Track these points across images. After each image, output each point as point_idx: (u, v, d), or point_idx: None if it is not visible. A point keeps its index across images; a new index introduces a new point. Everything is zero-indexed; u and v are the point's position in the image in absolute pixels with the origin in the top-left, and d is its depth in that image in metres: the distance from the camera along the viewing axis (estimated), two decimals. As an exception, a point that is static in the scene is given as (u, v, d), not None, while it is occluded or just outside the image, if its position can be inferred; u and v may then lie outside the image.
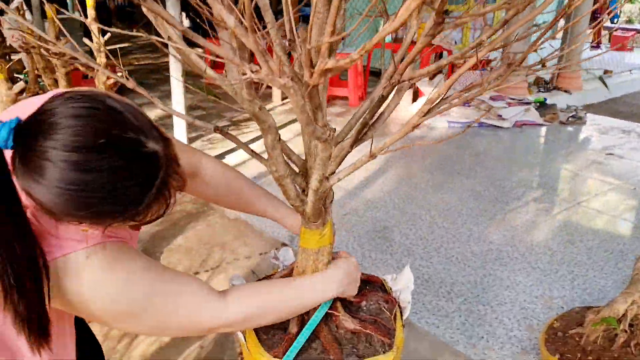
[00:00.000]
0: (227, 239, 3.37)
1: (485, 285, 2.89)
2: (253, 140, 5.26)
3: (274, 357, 1.34)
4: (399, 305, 1.56)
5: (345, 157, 1.25)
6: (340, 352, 1.35)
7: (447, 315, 2.63)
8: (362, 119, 1.32)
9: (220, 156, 4.83)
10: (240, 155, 4.88)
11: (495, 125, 5.85)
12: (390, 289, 1.65)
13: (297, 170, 1.38)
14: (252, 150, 1.22)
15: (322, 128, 1.01)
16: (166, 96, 5.12)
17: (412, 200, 3.96)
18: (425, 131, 5.77)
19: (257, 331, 1.43)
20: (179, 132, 4.76)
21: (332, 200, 1.41)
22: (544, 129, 5.94)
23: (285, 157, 1.29)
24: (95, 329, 2.62)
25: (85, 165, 0.79)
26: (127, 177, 0.83)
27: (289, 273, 1.49)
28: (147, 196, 0.86)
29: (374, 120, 1.35)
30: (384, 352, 1.36)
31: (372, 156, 1.14)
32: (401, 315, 1.54)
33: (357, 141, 1.27)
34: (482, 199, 3.98)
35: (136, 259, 1.00)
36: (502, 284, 2.91)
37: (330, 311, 1.42)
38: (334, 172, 1.22)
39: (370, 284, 1.67)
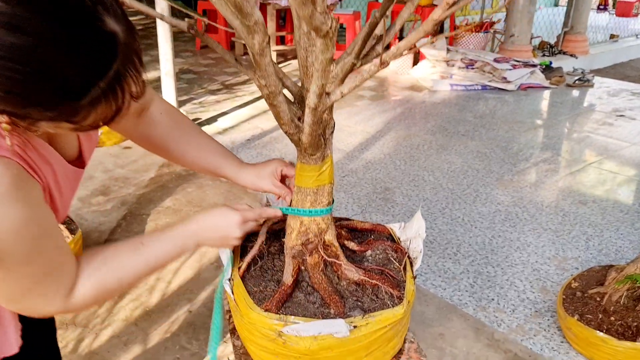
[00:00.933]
0: (218, 201, 3.17)
1: (494, 246, 2.71)
2: (246, 104, 5.02)
3: (266, 310, 1.15)
4: (408, 256, 1.37)
5: (350, 72, 1.03)
6: (342, 305, 1.16)
7: (454, 277, 2.45)
8: (367, 30, 1.10)
9: (213, 119, 4.60)
10: (233, 118, 4.65)
11: (499, 88, 5.61)
12: (399, 238, 1.46)
13: (291, 98, 1.17)
14: (235, 59, 1.00)
15: (322, 15, 0.79)
16: (155, 60, 4.86)
17: (414, 161, 3.76)
18: (426, 94, 5.53)
19: (246, 283, 1.24)
20: (168, 94, 4.51)
21: (332, 132, 1.20)
22: (550, 92, 5.71)
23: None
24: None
25: (10, 20, 0.58)
26: (69, 55, 0.61)
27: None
28: (94, 88, 0.65)
29: (382, 32, 1.12)
30: (392, 306, 1.17)
31: (383, 64, 0.92)
32: (411, 266, 1.35)
33: (362, 53, 1.05)
34: (488, 161, 3.78)
35: (34, 207, 0.76)
36: (512, 245, 2.73)
37: (331, 259, 1.23)
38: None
39: (375, 233, 1.48)
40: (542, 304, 2.28)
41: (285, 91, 1.11)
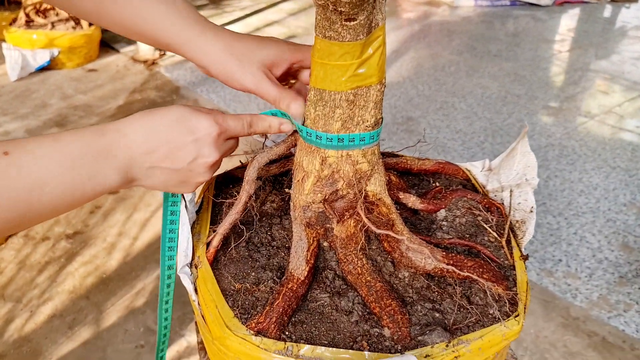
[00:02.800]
0: (201, 134, 2.55)
1: (552, 189, 2.13)
2: (237, 20, 4.28)
3: (258, 333, 0.58)
4: (509, 220, 0.78)
5: None
6: (407, 320, 0.59)
7: (506, 230, 1.88)
8: None
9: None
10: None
11: (531, 4, 4.85)
12: (483, 187, 0.87)
13: None
14: None
15: None
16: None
17: (440, 86, 3.10)
18: (446, 10, 4.77)
19: (221, 274, 0.65)
20: None
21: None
22: (590, 7, 4.95)
23: None
24: (9, 255, 1.92)
25: None
26: None
27: (287, 150, 0.69)
28: None
29: None
30: (501, 317, 0.61)
31: None
32: (515, 237, 0.77)
33: None
34: (529, 85, 3.13)
35: None
36: (573, 188, 2.14)
37: (381, 230, 0.64)
38: None
39: (443, 179, 0.88)
40: (628, 266, 1.72)
41: None
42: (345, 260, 0.65)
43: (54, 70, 3.26)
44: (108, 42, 3.74)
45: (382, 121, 0.65)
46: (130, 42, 3.73)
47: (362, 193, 0.64)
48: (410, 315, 0.60)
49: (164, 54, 3.53)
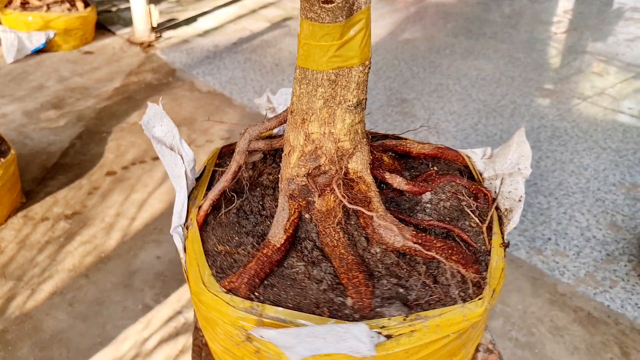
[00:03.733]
0: (197, 116, 2.57)
1: (543, 170, 2.16)
2: (232, 1, 4.26)
3: (229, 291, 0.62)
4: (496, 206, 0.81)
5: None
6: (370, 292, 0.63)
7: (497, 210, 1.92)
8: None
9: (192, 19, 3.88)
10: (216, 18, 3.92)
11: (528, -15, 4.81)
12: (480, 174, 0.89)
13: None
14: None
15: None
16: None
17: (435, 68, 3.11)
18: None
19: (207, 236, 0.69)
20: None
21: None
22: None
23: None
24: (9, 235, 1.95)
25: None
26: None
27: (279, 124, 0.72)
28: None
29: None
30: (463, 299, 0.64)
31: None
32: (501, 225, 0.80)
33: None
34: (523, 67, 3.14)
35: None
36: (564, 168, 2.17)
37: (356, 206, 0.67)
38: None
39: (441, 163, 0.90)
40: (615, 244, 1.76)
41: None
42: (323, 232, 0.68)
43: (50, 52, 3.26)
44: (104, 24, 3.73)
45: (365, 102, 0.68)
46: (127, 24, 3.73)
47: (342, 170, 0.67)
48: (375, 288, 0.63)
49: (160, 36, 3.53)
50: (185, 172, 0.69)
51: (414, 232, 0.68)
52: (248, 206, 0.75)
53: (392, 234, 0.68)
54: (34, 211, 1.91)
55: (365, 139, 0.70)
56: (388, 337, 0.58)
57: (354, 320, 0.56)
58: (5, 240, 1.77)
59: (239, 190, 0.76)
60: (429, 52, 3.34)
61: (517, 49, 3.41)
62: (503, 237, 0.75)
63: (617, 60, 3.27)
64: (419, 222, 0.73)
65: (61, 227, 1.84)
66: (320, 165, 0.65)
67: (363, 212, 0.69)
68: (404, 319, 0.59)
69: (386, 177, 0.75)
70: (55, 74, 2.99)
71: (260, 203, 0.76)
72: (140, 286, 1.61)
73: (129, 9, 3.71)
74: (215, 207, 0.70)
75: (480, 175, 0.84)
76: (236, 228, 0.68)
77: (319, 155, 0.64)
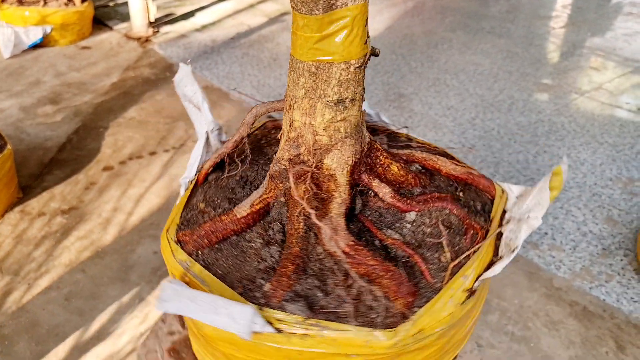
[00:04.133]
0: (195, 111, 2.56)
1: (540, 164, 2.16)
2: (222, 0, 4.25)
3: (178, 241, 0.66)
4: (478, 246, 0.78)
5: None
6: (288, 286, 0.67)
7: (494, 204, 1.92)
8: None
9: (190, 14, 3.86)
10: (213, 12, 3.91)
11: (526, -20, 4.80)
12: (504, 212, 0.85)
13: None
14: None
15: None
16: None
17: (432, 63, 3.11)
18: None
19: (200, 192, 0.71)
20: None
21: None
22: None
23: None
24: (6, 230, 1.94)
25: None
26: None
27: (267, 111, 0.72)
28: None
29: None
30: (374, 325, 0.64)
31: None
32: (486, 269, 0.76)
33: None
34: (521, 62, 3.14)
35: None
36: (561, 163, 2.17)
37: (302, 202, 0.68)
38: None
39: (470, 189, 0.87)
40: (611, 239, 1.77)
41: None
42: (289, 219, 0.69)
43: (47, 47, 3.25)
44: (101, 19, 3.72)
45: (351, 101, 0.67)
46: (124, 19, 3.71)
47: (314, 164, 0.67)
48: (298, 284, 0.63)
49: (158, 31, 3.52)
50: (207, 132, 0.73)
51: (351, 243, 0.67)
52: (253, 175, 0.77)
53: (333, 240, 0.67)
54: (30, 206, 1.91)
55: (349, 139, 0.70)
56: (278, 330, 0.58)
57: (259, 304, 0.57)
58: (2, 235, 1.77)
59: (240, 159, 0.77)
60: (427, 47, 3.33)
61: (515, 44, 3.40)
62: (473, 285, 0.71)
63: (615, 55, 3.27)
64: (384, 237, 0.72)
65: (58, 222, 1.84)
66: (300, 154, 0.65)
67: (304, 209, 0.69)
68: (304, 320, 0.59)
69: (373, 184, 0.75)
70: (52, 69, 2.98)
71: (259, 174, 0.77)
72: (137, 281, 1.61)
73: (126, 3, 3.70)
74: (215, 168, 0.75)
75: (504, 213, 0.81)
76: (227, 193, 0.71)
77: (300, 144, 0.65)
